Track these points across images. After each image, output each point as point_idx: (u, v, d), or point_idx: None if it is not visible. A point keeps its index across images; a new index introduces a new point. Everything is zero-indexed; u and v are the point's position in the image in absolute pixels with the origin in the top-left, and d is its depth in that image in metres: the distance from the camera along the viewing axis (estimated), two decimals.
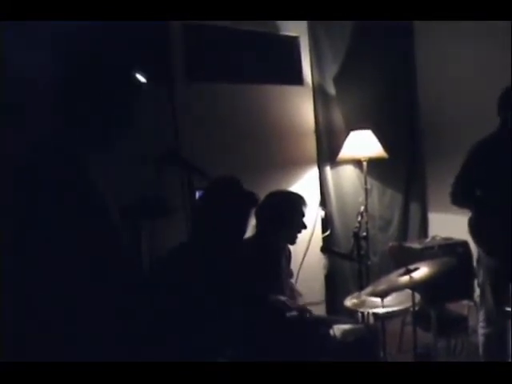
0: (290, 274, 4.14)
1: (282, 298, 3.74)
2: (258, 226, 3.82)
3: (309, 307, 3.91)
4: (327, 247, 4.14)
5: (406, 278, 3.41)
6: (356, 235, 3.87)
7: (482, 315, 4.09)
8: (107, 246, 1.92)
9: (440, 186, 4.70)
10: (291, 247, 4.13)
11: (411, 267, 3.48)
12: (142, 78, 3.55)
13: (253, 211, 3.31)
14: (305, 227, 3.86)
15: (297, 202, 3.86)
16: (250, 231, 3.91)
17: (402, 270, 3.50)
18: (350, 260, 3.99)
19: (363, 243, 3.95)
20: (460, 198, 3.92)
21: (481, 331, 4.10)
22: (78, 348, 1.83)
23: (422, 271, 3.46)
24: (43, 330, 1.80)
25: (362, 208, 4.61)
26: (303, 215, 3.84)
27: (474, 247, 4.28)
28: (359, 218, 4.16)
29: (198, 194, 3.16)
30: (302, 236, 4.88)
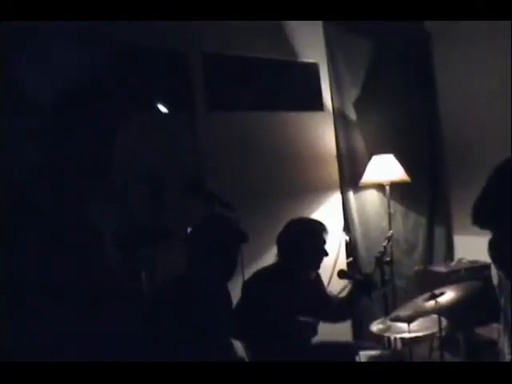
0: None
1: (307, 318, 3.73)
2: (279, 253, 3.82)
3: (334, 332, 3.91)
4: (344, 272, 4.11)
5: (431, 303, 3.38)
6: (378, 260, 3.86)
7: (506, 340, 4.02)
8: (107, 278, 1.93)
9: (465, 209, 4.65)
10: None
11: (437, 292, 3.45)
12: (163, 108, 3.59)
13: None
14: (326, 254, 3.85)
15: (317, 228, 3.86)
16: (271, 259, 3.92)
17: (427, 295, 3.47)
18: (366, 285, 3.96)
19: (386, 268, 3.92)
20: (480, 220, 3.88)
21: (508, 357, 4.03)
22: None
23: (447, 296, 3.43)
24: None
25: (390, 233, 4.59)
26: (324, 242, 3.84)
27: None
28: (385, 243, 4.14)
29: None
30: (327, 262, 4.86)
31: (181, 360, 2.14)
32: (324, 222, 3.96)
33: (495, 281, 4.07)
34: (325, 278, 4.93)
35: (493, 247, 3.90)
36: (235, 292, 3.69)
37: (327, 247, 3.87)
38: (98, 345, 1.89)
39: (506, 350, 4.02)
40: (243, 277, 3.26)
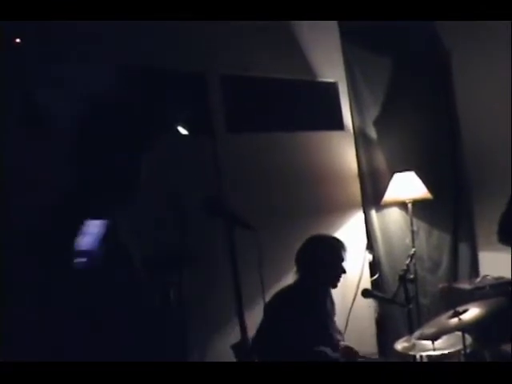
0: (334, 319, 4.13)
1: (325, 349, 3.73)
2: (298, 271, 3.86)
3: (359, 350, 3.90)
4: (368, 291, 4.11)
5: (455, 320, 3.36)
6: (402, 278, 3.84)
7: None
8: (134, 299, 1.95)
9: (489, 225, 4.63)
10: (341, 292, 4.13)
11: (460, 309, 3.43)
12: (183, 131, 3.63)
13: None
14: (344, 272, 3.87)
15: (336, 246, 3.89)
16: (291, 279, 3.94)
17: (451, 312, 3.45)
18: (390, 303, 3.96)
19: (410, 286, 3.90)
20: (506, 237, 3.85)
21: None
22: None
23: (471, 312, 3.41)
24: None
25: (413, 250, 4.57)
26: (342, 260, 3.86)
27: None
28: (408, 261, 4.13)
29: None
30: (351, 281, 4.89)
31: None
32: (347, 241, 3.98)
33: None
34: (349, 297, 4.95)
35: None
36: (255, 313, 3.71)
37: (346, 264, 3.88)
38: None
39: None
40: (264, 298, 3.27)
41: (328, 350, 3.76)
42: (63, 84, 2.83)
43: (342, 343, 3.97)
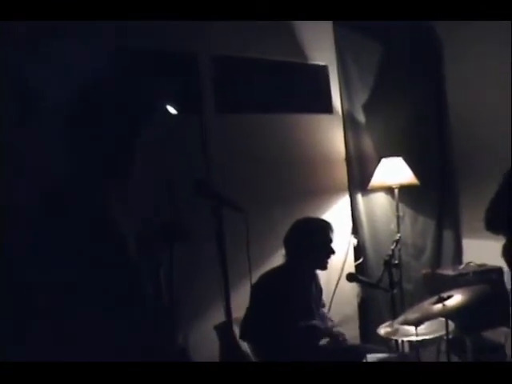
0: (322, 304, 4.14)
1: (315, 322, 3.75)
2: (287, 253, 3.87)
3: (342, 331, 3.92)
4: (353, 275, 4.13)
5: (438, 306, 3.38)
6: (387, 263, 3.86)
7: None
8: (125, 278, 1.95)
9: (473, 212, 4.66)
10: (325, 275, 4.14)
11: (444, 295, 3.45)
12: (172, 110, 3.61)
13: None
14: (333, 252, 3.89)
15: (323, 227, 3.91)
16: (279, 260, 3.95)
17: (434, 298, 3.47)
18: (375, 288, 3.98)
19: (394, 271, 3.92)
20: (494, 224, 3.86)
21: None
22: None
23: (455, 299, 3.43)
24: None
25: (398, 236, 4.59)
26: (331, 241, 3.87)
27: (508, 273, 4.22)
28: (393, 246, 4.14)
29: None
30: (335, 264, 4.90)
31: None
32: (332, 224, 3.98)
33: (508, 285, 4.06)
34: (333, 281, 4.98)
35: (506, 252, 3.89)
36: (242, 295, 3.71)
37: (334, 246, 3.89)
38: (117, 343, 1.91)
39: None
40: (250, 280, 3.27)
41: (318, 323, 3.78)
42: (50, 62, 2.82)
43: (330, 327, 3.98)
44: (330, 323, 4.03)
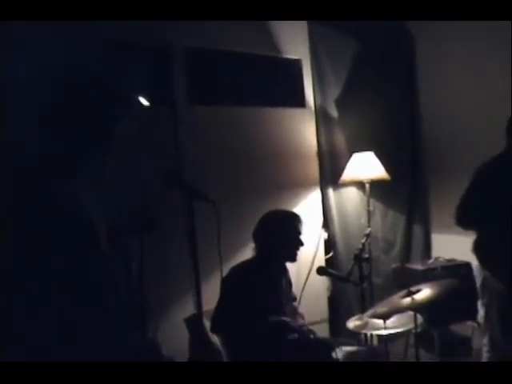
0: (293, 298, 4.15)
1: (285, 318, 3.76)
2: (256, 247, 3.87)
3: (311, 328, 3.93)
4: (323, 268, 4.14)
5: (407, 300, 3.40)
6: (357, 257, 3.88)
7: (486, 338, 4.06)
8: (96, 266, 1.94)
9: (443, 207, 4.70)
10: (295, 269, 4.15)
11: (413, 289, 3.47)
12: (144, 102, 3.59)
13: None
14: (302, 244, 3.89)
15: (291, 219, 3.91)
16: (249, 253, 3.95)
17: (403, 292, 3.49)
18: (345, 282, 4.00)
19: (364, 265, 3.94)
20: (465, 220, 3.89)
21: (485, 355, 4.06)
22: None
23: (423, 293, 3.46)
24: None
25: (369, 230, 4.62)
26: (300, 232, 3.87)
27: (476, 268, 4.26)
28: (363, 240, 4.16)
29: None
30: (305, 258, 4.92)
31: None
32: (303, 218, 3.98)
33: (478, 280, 4.09)
34: (303, 274, 4.99)
35: (478, 247, 3.93)
36: (212, 287, 3.71)
37: (303, 238, 3.89)
38: (87, 332, 1.90)
39: (485, 348, 4.06)
40: (221, 272, 3.27)
41: (287, 319, 3.79)
42: (23, 49, 2.78)
43: (301, 324, 3.99)
44: (300, 320, 4.04)
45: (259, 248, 3.86)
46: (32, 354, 1.85)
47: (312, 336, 3.85)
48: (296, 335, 3.82)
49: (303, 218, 3.96)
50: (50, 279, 1.84)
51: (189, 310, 3.49)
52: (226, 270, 3.64)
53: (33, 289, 1.85)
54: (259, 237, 3.87)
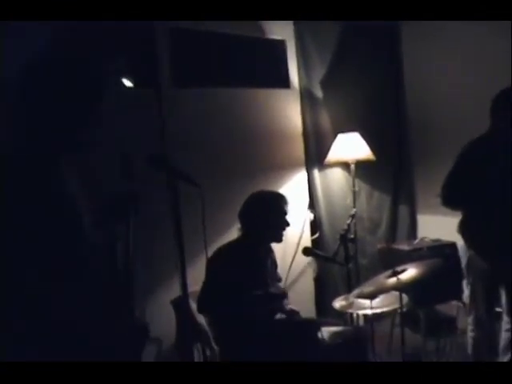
0: (278, 278, 4.15)
1: (270, 289, 3.77)
2: (242, 228, 3.87)
3: (297, 308, 3.94)
4: (308, 249, 4.15)
5: (393, 280, 3.42)
6: (343, 237, 3.89)
7: (471, 318, 4.09)
8: (82, 252, 1.93)
9: (428, 188, 4.72)
10: (281, 250, 4.15)
11: (398, 269, 3.49)
12: (128, 83, 3.56)
13: None
14: (288, 224, 3.88)
15: (277, 199, 3.90)
16: (235, 235, 3.95)
17: (389, 272, 3.51)
18: (331, 262, 4.01)
19: (350, 245, 3.95)
20: (451, 200, 3.90)
21: (470, 334, 4.09)
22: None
23: (409, 273, 3.47)
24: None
25: (354, 210, 4.62)
26: (285, 213, 3.87)
27: (461, 248, 4.28)
28: (349, 221, 4.17)
29: None
30: (291, 239, 4.93)
31: None
32: (289, 199, 3.98)
33: (464, 260, 4.11)
34: (289, 255, 5.00)
35: (464, 227, 3.94)
36: (198, 269, 3.71)
37: (289, 218, 3.89)
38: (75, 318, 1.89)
39: (470, 326, 4.09)
40: (206, 254, 3.27)
41: (273, 290, 3.80)
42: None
43: (285, 304, 4.00)
44: (285, 301, 4.05)
45: (245, 229, 3.86)
46: (20, 342, 1.84)
47: (298, 316, 3.86)
48: (282, 316, 3.84)
49: (289, 198, 3.96)
50: (35, 266, 1.83)
51: (175, 291, 3.49)
52: (211, 252, 3.63)
53: (17, 274, 1.84)
54: (245, 217, 3.86)
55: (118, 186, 3.06)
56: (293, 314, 3.84)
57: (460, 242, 4.17)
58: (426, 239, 5.39)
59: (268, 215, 3.81)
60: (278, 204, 3.88)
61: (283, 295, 3.89)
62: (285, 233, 3.92)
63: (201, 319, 3.76)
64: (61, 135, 2.04)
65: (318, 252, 4.38)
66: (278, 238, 3.90)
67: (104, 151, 2.70)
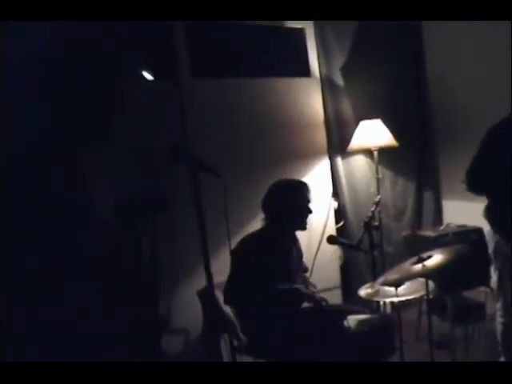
0: (304, 268, 4.15)
1: (296, 286, 3.77)
2: (266, 218, 3.86)
3: (324, 296, 3.93)
4: (333, 237, 4.13)
5: (418, 267, 3.38)
6: (367, 225, 3.86)
7: (500, 303, 4.05)
8: (101, 248, 1.93)
9: (453, 173, 4.67)
10: (306, 239, 4.14)
11: (424, 255, 3.46)
12: (148, 76, 3.56)
13: None
14: (311, 212, 3.87)
15: (300, 188, 3.90)
16: (258, 225, 3.94)
17: (414, 259, 3.48)
18: (356, 250, 3.98)
19: (375, 232, 3.93)
20: (476, 186, 3.86)
21: (499, 320, 4.06)
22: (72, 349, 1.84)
23: (434, 259, 3.44)
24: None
25: (378, 198, 4.59)
26: (308, 201, 3.86)
27: (488, 234, 4.23)
28: (373, 208, 4.15)
29: None
30: (316, 228, 4.92)
31: None
32: (312, 188, 3.97)
33: (490, 245, 4.07)
34: (314, 244, 4.99)
35: (490, 212, 3.90)
36: (221, 259, 3.71)
37: (312, 206, 3.88)
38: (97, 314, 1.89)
39: (499, 312, 4.05)
40: (229, 244, 3.26)
41: (300, 287, 3.80)
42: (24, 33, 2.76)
43: (312, 290, 3.99)
44: (312, 288, 4.04)
45: (269, 218, 3.85)
46: (43, 332, 1.85)
47: (324, 303, 3.85)
48: (308, 304, 3.83)
49: (312, 187, 3.95)
50: (55, 265, 1.83)
51: (201, 283, 3.50)
52: (234, 242, 3.63)
53: (36, 273, 1.84)
54: (268, 207, 3.86)
55: (139, 181, 3.07)
56: (320, 301, 3.83)
57: (486, 228, 4.13)
58: (452, 225, 5.34)
59: (291, 203, 3.81)
60: (300, 192, 3.87)
61: (308, 294, 3.88)
62: (309, 222, 3.91)
63: (227, 310, 3.77)
64: (81, 130, 2.03)
65: (342, 240, 4.36)
66: (303, 226, 3.89)
67: (125, 147, 2.70)
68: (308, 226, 3.92)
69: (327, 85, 5.60)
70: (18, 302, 1.83)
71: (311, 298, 3.83)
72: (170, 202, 2.67)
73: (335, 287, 5.48)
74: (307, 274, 4.23)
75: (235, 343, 3.69)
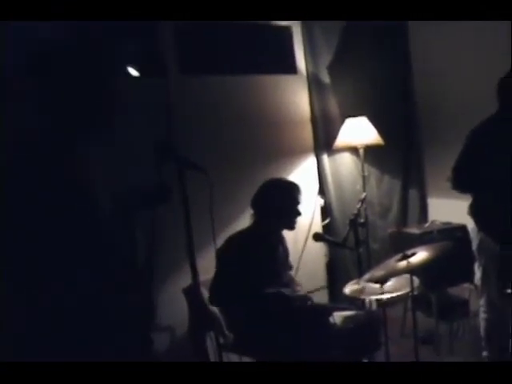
0: (290, 266, 4.15)
1: (283, 289, 3.77)
2: (255, 215, 3.86)
3: (310, 294, 3.94)
4: (319, 234, 4.13)
5: (403, 263, 3.40)
6: (353, 222, 3.87)
7: (483, 300, 4.08)
8: (100, 240, 1.93)
9: (438, 171, 4.70)
10: (292, 236, 4.14)
11: (409, 252, 3.47)
12: (134, 72, 3.56)
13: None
14: (299, 214, 3.87)
15: (291, 189, 3.89)
16: (247, 221, 3.94)
17: (399, 256, 3.49)
18: (341, 247, 3.99)
19: (361, 230, 3.94)
20: (461, 183, 3.88)
21: (482, 315, 4.09)
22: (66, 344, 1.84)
23: (419, 256, 3.46)
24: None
25: (364, 195, 4.61)
26: (298, 202, 3.86)
27: (472, 231, 4.26)
28: (359, 205, 4.16)
29: None
30: (302, 225, 4.92)
31: None
32: (300, 185, 3.98)
33: (474, 242, 4.09)
34: (300, 241, 5.00)
35: (475, 210, 3.93)
36: (207, 257, 3.71)
37: (301, 207, 3.89)
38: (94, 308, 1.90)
39: (482, 308, 4.09)
40: (215, 242, 3.26)
41: (286, 291, 3.80)
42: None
43: (298, 289, 4.00)
44: (297, 287, 4.05)
45: (258, 216, 3.85)
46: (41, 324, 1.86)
47: (310, 302, 3.86)
48: (295, 302, 3.84)
49: (300, 185, 3.96)
50: (52, 252, 1.84)
51: (187, 280, 3.50)
52: (220, 240, 3.63)
53: (34, 260, 1.84)
54: (258, 205, 3.85)
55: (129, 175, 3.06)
56: (305, 299, 3.84)
57: (470, 225, 4.15)
58: (437, 222, 5.36)
59: (281, 204, 3.81)
60: (292, 193, 3.87)
61: (294, 295, 3.88)
62: (296, 221, 3.92)
63: (213, 307, 3.77)
64: (72, 125, 2.04)
65: (328, 237, 4.36)
66: (291, 226, 3.90)
67: (112, 141, 2.70)
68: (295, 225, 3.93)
69: (314, 82, 5.61)
70: (17, 302, 1.84)
71: (297, 299, 3.83)
72: (170, 192, 2.69)
73: (322, 287, 5.48)
74: (292, 272, 4.23)
75: (221, 341, 3.70)
